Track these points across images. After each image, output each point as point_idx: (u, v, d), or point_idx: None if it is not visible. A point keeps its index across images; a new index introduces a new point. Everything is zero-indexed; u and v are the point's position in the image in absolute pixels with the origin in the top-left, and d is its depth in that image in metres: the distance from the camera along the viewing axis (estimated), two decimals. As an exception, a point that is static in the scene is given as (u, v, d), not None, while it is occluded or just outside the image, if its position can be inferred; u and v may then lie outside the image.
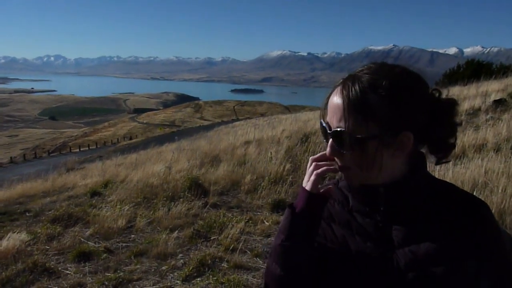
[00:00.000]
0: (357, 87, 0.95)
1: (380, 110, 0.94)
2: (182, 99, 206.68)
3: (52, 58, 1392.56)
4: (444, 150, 1.04)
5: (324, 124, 1.02)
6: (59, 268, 4.02)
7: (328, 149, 1.00)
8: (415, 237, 0.99)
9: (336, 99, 0.98)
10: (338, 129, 0.96)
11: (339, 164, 1.02)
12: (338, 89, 0.99)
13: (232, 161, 7.14)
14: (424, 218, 1.00)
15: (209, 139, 13.35)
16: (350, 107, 0.95)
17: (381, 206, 1.02)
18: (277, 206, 5.24)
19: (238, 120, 58.01)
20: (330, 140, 0.99)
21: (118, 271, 3.92)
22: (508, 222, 3.84)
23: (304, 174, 1.07)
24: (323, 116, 1.04)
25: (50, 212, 5.76)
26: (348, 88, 0.96)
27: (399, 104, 0.95)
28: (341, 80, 1.01)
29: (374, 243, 1.02)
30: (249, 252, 4.11)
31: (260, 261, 3.92)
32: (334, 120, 0.98)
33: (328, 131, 1.00)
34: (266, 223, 4.77)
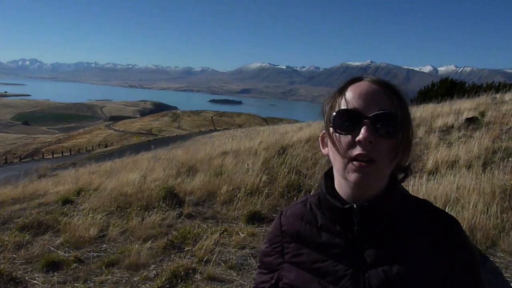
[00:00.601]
0: (384, 80, 1.01)
1: (406, 103, 1.01)
2: (160, 107, 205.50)
3: (27, 62, 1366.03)
4: (405, 170, 1.06)
5: (351, 109, 0.97)
6: (26, 278, 3.90)
7: (365, 133, 0.93)
8: (388, 256, 0.98)
9: (367, 88, 0.98)
10: (385, 111, 0.95)
11: (365, 152, 0.94)
12: (365, 82, 1.00)
13: (209, 172, 7.10)
14: (399, 234, 0.99)
15: (186, 148, 13.26)
16: (393, 92, 0.99)
17: (355, 225, 1.00)
18: (253, 218, 5.22)
19: (216, 130, 57.95)
20: (365, 126, 0.94)
21: (88, 281, 3.83)
22: (478, 237, 3.92)
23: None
24: (339, 106, 1.00)
25: (19, 219, 5.59)
26: (378, 79, 1.00)
27: (407, 106, 1.02)
28: (355, 78, 1.02)
29: (345, 263, 1.00)
30: (223, 264, 4.07)
31: (234, 273, 3.88)
32: (371, 105, 0.95)
33: (369, 115, 0.95)
34: (241, 234, 4.74)
